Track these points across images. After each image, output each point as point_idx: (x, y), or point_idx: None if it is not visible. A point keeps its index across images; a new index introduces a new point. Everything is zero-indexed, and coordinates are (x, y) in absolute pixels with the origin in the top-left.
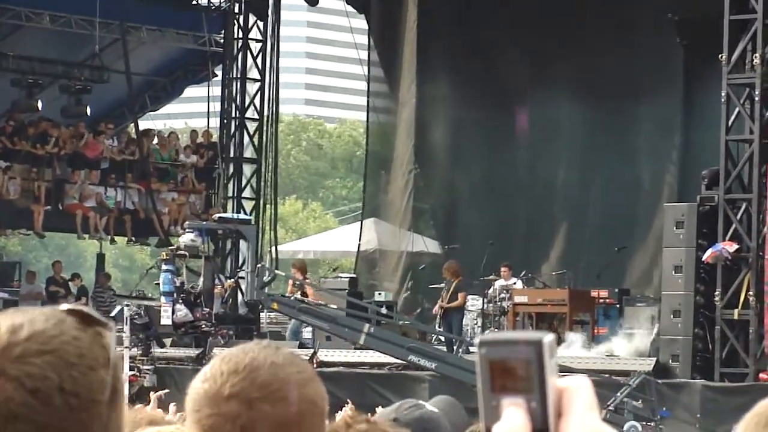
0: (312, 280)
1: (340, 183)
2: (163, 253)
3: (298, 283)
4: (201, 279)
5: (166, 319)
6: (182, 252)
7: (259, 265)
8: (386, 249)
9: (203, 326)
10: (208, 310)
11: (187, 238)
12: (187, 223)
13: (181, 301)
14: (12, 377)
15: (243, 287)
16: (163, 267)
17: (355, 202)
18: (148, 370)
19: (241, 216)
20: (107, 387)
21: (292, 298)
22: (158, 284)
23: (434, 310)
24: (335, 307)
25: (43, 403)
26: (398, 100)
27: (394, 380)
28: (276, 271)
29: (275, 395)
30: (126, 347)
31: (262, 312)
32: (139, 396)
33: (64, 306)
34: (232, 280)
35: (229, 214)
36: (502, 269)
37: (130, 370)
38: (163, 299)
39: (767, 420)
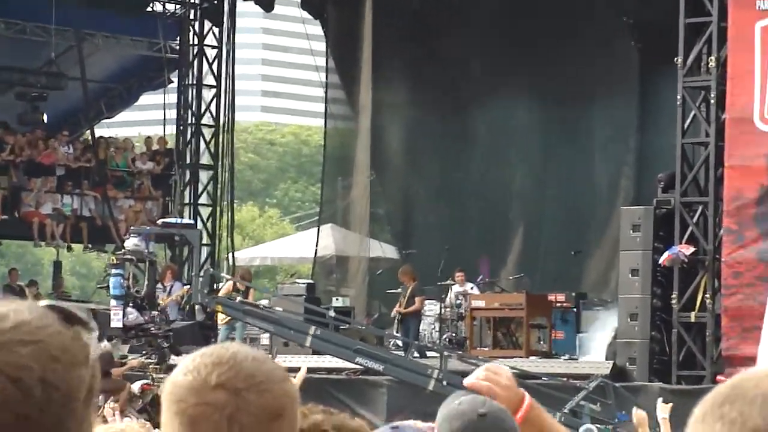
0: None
1: (293, 186)
2: (113, 258)
3: (242, 289)
4: (145, 283)
5: (116, 322)
6: (129, 257)
7: (204, 269)
8: (343, 255)
9: (152, 329)
10: (155, 313)
11: (130, 242)
12: (131, 228)
13: (131, 304)
14: None
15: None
16: (113, 271)
17: (309, 203)
18: (161, 378)
19: (185, 221)
20: (85, 385)
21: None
22: (102, 288)
23: (392, 315)
24: (281, 309)
25: (24, 393)
26: (355, 106)
27: (352, 385)
28: (227, 276)
29: (260, 386)
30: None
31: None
32: (152, 405)
33: (45, 302)
34: (189, 286)
35: (173, 219)
36: (457, 275)
37: (144, 378)
38: (113, 302)
39: (723, 399)
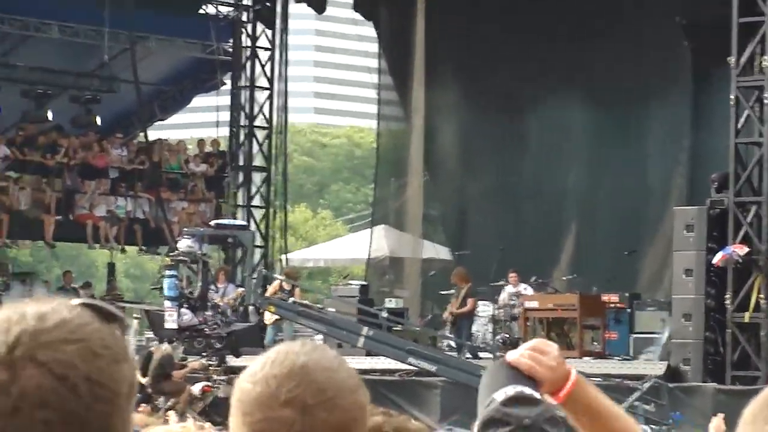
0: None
1: (345, 187)
2: (167, 259)
3: (287, 289)
4: (198, 284)
5: (171, 323)
6: (183, 258)
7: (258, 270)
8: (396, 256)
9: (206, 330)
10: (209, 314)
11: (183, 244)
12: (184, 229)
13: (185, 305)
14: (41, 363)
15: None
16: (167, 272)
17: (360, 204)
18: (222, 380)
19: (238, 222)
20: (127, 381)
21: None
22: (156, 289)
23: (444, 316)
24: (334, 310)
25: (71, 391)
26: (407, 108)
27: (405, 387)
28: (278, 276)
29: (331, 402)
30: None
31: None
32: (213, 407)
33: (77, 300)
34: (242, 288)
35: (226, 221)
36: (510, 275)
37: (204, 380)
38: (168, 303)
39: None
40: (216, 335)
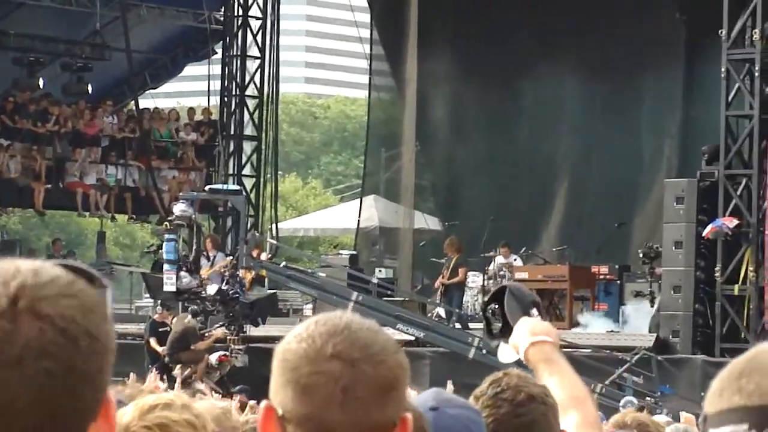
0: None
1: (335, 159)
2: (166, 224)
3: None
4: (194, 248)
5: (170, 286)
6: (180, 222)
7: (249, 234)
8: (386, 226)
9: (202, 293)
10: (204, 277)
11: (178, 208)
12: (179, 194)
13: (185, 268)
14: (43, 315)
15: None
16: (167, 236)
17: (350, 177)
18: (239, 349)
19: (232, 187)
20: (114, 339)
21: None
22: (149, 253)
23: (435, 286)
24: (323, 275)
25: (72, 343)
26: (399, 78)
27: None
28: (272, 241)
29: (375, 358)
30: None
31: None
32: (231, 376)
33: (54, 261)
34: (231, 258)
35: (219, 185)
36: (501, 249)
37: (221, 349)
38: (167, 267)
39: (740, 372)
40: (211, 299)
